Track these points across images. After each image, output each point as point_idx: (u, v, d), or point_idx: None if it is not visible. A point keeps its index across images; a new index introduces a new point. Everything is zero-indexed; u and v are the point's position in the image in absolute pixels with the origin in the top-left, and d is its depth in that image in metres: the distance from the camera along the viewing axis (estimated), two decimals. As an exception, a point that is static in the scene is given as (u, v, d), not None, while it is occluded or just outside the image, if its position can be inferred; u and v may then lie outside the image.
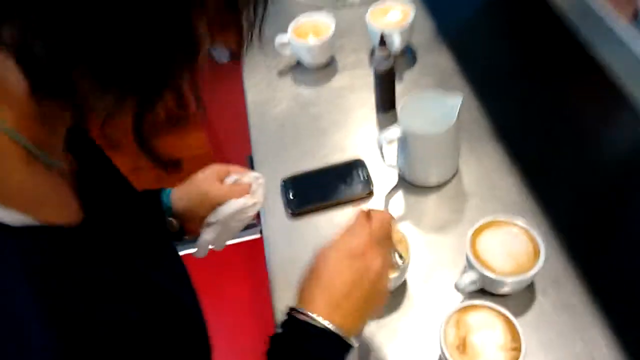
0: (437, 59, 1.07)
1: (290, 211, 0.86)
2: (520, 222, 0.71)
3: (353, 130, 0.98)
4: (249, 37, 0.36)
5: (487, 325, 0.63)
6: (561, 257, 0.75)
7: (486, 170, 0.88)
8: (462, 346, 0.62)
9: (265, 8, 0.36)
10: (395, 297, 0.73)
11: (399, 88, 0.98)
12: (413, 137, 0.79)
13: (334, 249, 0.54)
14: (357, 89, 1.04)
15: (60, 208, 0.40)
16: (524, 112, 0.96)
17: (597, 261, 0.75)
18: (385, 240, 0.57)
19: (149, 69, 0.33)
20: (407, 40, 1.04)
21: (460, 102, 0.78)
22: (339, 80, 1.07)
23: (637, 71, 0.55)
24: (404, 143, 0.81)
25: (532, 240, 0.69)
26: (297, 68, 1.10)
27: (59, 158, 0.42)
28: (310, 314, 0.50)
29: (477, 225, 0.71)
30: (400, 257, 0.62)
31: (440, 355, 0.64)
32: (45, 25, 0.29)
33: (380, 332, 0.71)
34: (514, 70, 1.04)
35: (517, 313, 0.70)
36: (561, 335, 0.68)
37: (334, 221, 0.85)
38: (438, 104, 0.81)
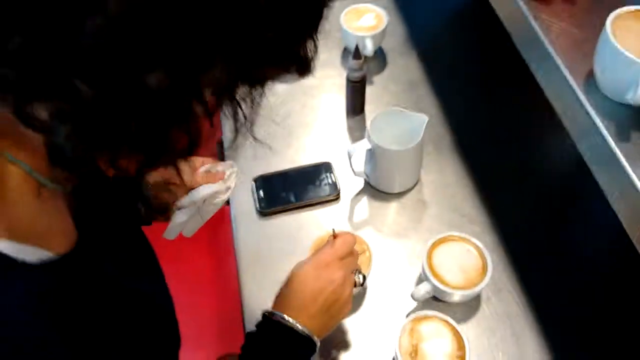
0: (407, 63, 1.11)
1: (259, 210, 0.90)
2: (473, 239, 0.78)
3: (322, 132, 1.02)
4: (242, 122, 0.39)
5: (437, 334, 0.71)
6: (506, 267, 0.84)
7: (445, 180, 0.94)
8: (414, 353, 0.69)
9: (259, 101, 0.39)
10: (355, 299, 0.80)
11: (368, 90, 1.01)
12: (381, 151, 0.84)
13: (305, 263, 0.65)
14: (327, 88, 1.07)
15: (65, 234, 0.43)
16: (485, 121, 1.02)
17: (537, 269, 0.83)
18: (348, 256, 0.66)
19: (157, 142, 0.36)
20: (379, 44, 1.08)
21: (426, 122, 0.84)
22: (309, 79, 1.09)
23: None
24: (372, 154, 0.86)
25: (482, 257, 0.77)
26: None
27: (62, 180, 0.43)
28: (280, 314, 0.60)
29: (433, 240, 0.78)
30: (363, 277, 0.69)
31: (393, 358, 0.71)
32: (77, 113, 0.31)
33: (338, 332, 0.78)
34: (480, 80, 1.09)
35: (464, 319, 0.78)
36: (502, 341, 0.76)
37: (300, 221, 0.90)
38: (405, 121, 0.86)
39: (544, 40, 0.56)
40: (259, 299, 0.81)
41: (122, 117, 0.31)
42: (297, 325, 0.60)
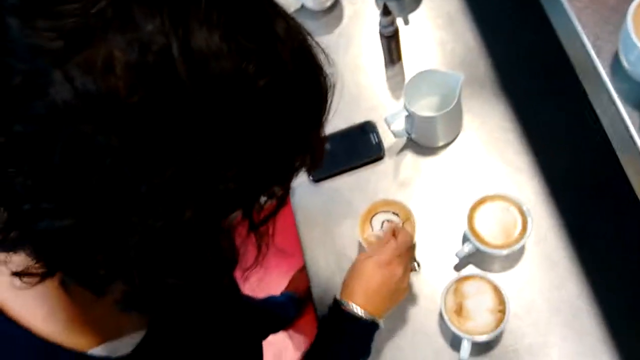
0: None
1: (311, 178, 0.97)
2: (513, 197, 0.81)
3: (362, 84, 1.03)
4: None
5: (479, 292, 0.78)
6: (549, 216, 0.86)
7: (489, 126, 0.95)
8: (459, 309, 0.78)
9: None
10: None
11: (405, 32, 0.99)
12: (418, 118, 0.86)
13: (370, 260, 0.73)
14: (364, 37, 1.06)
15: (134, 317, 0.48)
16: (529, 63, 0.98)
17: (581, 217, 0.85)
18: (406, 252, 0.74)
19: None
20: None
21: (461, 80, 0.83)
22: (343, 33, 1.08)
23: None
24: (411, 118, 0.88)
25: (522, 214, 0.80)
26: (301, 12, 1.10)
27: None
28: (351, 304, 0.70)
29: (473, 202, 0.82)
30: (418, 264, 0.79)
31: (439, 314, 0.80)
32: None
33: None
34: (521, 17, 1.02)
35: (506, 269, 0.84)
36: (543, 290, 0.82)
37: (349, 184, 0.96)
38: (441, 80, 0.86)
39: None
40: (320, 261, 0.92)
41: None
42: (365, 314, 0.70)
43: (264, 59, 0.32)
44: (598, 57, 0.54)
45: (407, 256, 0.75)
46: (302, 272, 1.60)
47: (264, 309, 1.39)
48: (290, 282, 1.58)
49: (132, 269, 0.35)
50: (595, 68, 0.54)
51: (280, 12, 0.35)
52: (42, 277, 0.36)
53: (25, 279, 0.36)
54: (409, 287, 0.76)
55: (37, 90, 0.29)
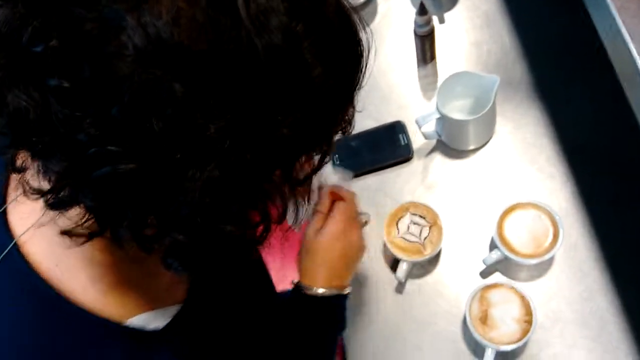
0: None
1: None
2: (545, 205, 0.79)
3: (394, 83, 1.02)
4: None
5: (505, 301, 0.76)
6: (581, 225, 0.84)
7: (522, 131, 0.93)
8: (484, 317, 0.77)
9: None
10: (431, 263, 0.87)
11: (439, 31, 0.97)
12: (451, 121, 0.84)
13: (323, 234, 0.69)
14: (397, 35, 1.05)
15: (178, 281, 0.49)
16: (566, 68, 0.95)
17: (616, 229, 0.83)
18: (354, 213, 0.71)
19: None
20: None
21: (497, 83, 0.81)
22: (377, 26, 1.07)
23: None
24: (442, 120, 0.87)
25: (554, 223, 0.78)
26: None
27: None
28: (314, 288, 0.67)
29: (504, 209, 0.80)
30: (365, 214, 0.75)
31: (463, 320, 0.79)
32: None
33: (415, 294, 0.86)
34: (562, 21, 1.00)
35: (534, 277, 0.82)
36: (572, 301, 0.80)
37: (377, 184, 0.95)
38: (476, 82, 0.84)
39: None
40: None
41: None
42: (330, 291, 0.67)
43: (314, 16, 0.35)
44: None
45: (356, 216, 0.71)
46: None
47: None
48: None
49: (187, 219, 0.35)
50: (641, 78, 0.52)
51: None
52: (90, 237, 0.37)
53: (74, 239, 0.37)
54: (365, 244, 0.72)
55: (108, 36, 0.30)
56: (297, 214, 0.43)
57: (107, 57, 0.30)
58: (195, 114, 0.31)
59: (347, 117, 0.42)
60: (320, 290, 0.67)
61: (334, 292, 0.67)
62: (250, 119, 0.33)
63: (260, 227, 0.40)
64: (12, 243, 0.42)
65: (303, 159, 0.40)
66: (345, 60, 0.39)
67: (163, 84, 0.30)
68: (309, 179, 0.42)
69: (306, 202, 0.43)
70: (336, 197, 0.71)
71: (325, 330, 0.68)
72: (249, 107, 0.33)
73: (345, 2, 0.38)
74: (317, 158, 0.42)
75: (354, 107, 0.42)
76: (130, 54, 0.30)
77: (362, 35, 0.40)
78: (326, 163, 0.42)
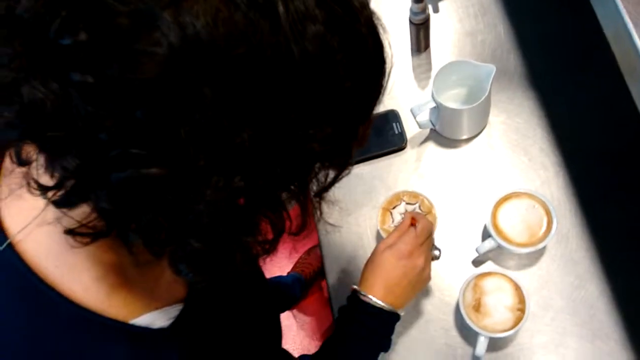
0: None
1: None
2: (539, 195, 0.80)
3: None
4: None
5: (498, 289, 0.77)
6: (572, 213, 0.85)
7: (515, 121, 0.93)
8: (477, 305, 0.77)
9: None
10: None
11: (434, 20, 0.97)
12: (447, 110, 0.84)
13: (390, 251, 0.71)
14: (390, 23, 1.04)
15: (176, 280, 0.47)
16: (562, 59, 0.96)
17: (608, 219, 0.84)
18: (427, 241, 0.73)
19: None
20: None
21: (493, 73, 0.81)
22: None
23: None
24: (437, 109, 0.87)
25: (548, 213, 0.79)
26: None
27: None
28: (370, 296, 0.69)
29: (497, 198, 0.81)
30: (439, 251, 0.76)
31: (456, 308, 0.80)
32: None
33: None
34: (558, 12, 1.00)
35: (526, 265, 0.83)
36: (563, 289, 0.81)
37: (370, 172, 0.95)
38: (472, 71, 0.84)
39: None
40: (335, 248, 0.91)
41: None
42: (385, 305, 0.69)
43: (348, 30, 0.34)
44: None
45: (428, 245, 0.73)
46: (309, 256, 1.62)
47: (274, 287, 1.41)
48: (297, 264, 1.59)
49: (207, 227, 0.34)
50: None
51: None
52: (95, 237, 0.36)
53: (77, 238, 0.36)
54: (430, 276, 0.74)
55: (141, 31, 0.28)
56: (308, 220, 0.42)
57: (136, 55, 0.28)
58: (222, 121, 0.30)
59: (367, 132, 0.42)
60: (374, 299, 0.69)
61: (386, 306, 0.69)
62: (282, 130, 0.33)
63: (271, 237, 0.40)
64: (7, 242, 0.40)
65: (322, 172, 0.40)
66: (372, 77, 0.39)
67: (193, 87, 0.29)
68: (326, 190, 0.41)
69: (318, 215, 0.42)
70: (415, 222, 0.73)
71: (370, 339, 0.69)
72: (280, 117, 0.32)
73: (376, 21, 0.38)
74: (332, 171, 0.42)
75: (371, 121, 0.42)
76: (162, 52, 0.28)
77: (388, 55, 0.40)
78: (344, 177, 0.42)
